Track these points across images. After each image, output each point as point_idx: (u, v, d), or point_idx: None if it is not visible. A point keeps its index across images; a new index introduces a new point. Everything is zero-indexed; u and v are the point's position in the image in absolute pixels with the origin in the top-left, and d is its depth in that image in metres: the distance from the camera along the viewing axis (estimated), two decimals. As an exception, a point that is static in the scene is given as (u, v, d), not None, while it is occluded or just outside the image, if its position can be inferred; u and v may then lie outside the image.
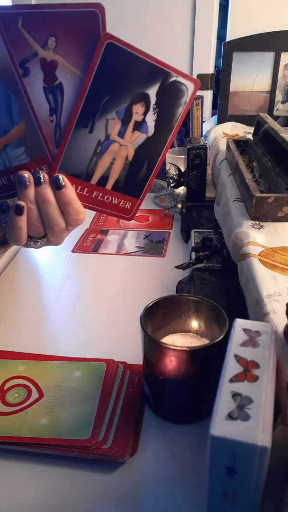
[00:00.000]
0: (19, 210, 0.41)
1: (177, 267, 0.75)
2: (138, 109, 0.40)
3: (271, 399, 0.32)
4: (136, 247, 0.87)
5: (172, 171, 1.03)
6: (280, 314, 0.43)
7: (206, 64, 1.19)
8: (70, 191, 0.42)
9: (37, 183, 0.41)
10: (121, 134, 0.41)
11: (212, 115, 1.29)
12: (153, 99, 0.40)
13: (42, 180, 0.41)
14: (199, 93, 1.20)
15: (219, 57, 1.16)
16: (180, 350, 0.43)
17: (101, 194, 0.43)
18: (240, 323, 0.40)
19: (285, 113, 1.14)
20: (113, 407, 0.48)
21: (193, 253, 0.75)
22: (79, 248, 0.87)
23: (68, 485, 0.42)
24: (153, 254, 0.84)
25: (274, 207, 0.59)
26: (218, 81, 1.17)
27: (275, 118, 0.92)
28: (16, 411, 0.48)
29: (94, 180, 0.42)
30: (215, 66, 1.22)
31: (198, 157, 0.92)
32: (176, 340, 0.51)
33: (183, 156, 0.99)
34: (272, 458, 0.30)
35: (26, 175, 0.41)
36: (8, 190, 0.43)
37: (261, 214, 0.60)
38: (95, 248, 0.87)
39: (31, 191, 0.41)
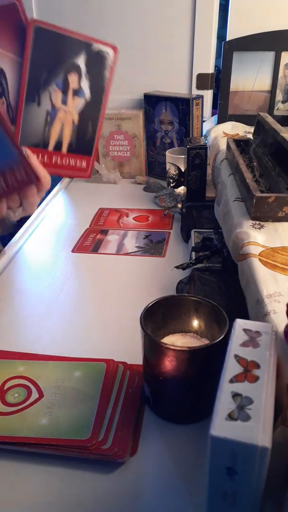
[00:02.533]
0: None
1: (177, 267, 0.75)
2: (72, 78, 0.46)
3: (271, 399, 0.32)
4: (136, 247, 0.86)
5: (172, 171, 1.03)
6: (281, 314, 0.43)
7: (206, 64, 1.18)
8: (34, 160, 0.46)
9: None
10: (64, 102, 0.47)
11: (212, 114, 1.29)
12: (83, 68, 0.46)
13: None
14: (199, 92, 1.20)
15: (219, 56, 1.15)
16: (180, 350, 0.42)
17: (59, 158, 0.49)
18: (240, 323, 0.39)
19: (285, 112, 1.14)
20: (113, 407, 0.47)
21: (193, 253, 0.75)
22: (79, 248, 0.87)
23: (68, 485, 0.42)
24: (153, 254, 0.84)
25: (275, 207, 0.59)
26: (218, 81, 1.17)
27: (275, 117, 0.91)
28: (16, 411, 0.48)
29: (51, 146, 0.48)
30: (215, 66, 1.22)
31: (198, 157, 0.92)
32: (176, 340, 0.51)
33: (183, 156, 0.99)
34: (272, 459, 0.30)
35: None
36: None
37: (261, 214, 0.60)
38: (95, 248, 0.87)
39: None
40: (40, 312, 0.68)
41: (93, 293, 0.73)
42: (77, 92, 0.47)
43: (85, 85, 0.47)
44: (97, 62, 0.47)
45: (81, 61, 0.46)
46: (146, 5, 1.15)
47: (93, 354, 0.55)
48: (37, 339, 0.62)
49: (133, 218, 0.99)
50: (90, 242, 0.89)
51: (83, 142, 0.49)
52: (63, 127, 0.47)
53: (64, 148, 0.49)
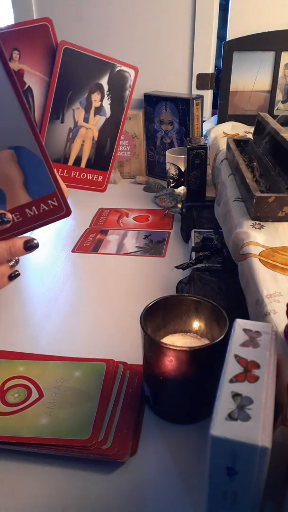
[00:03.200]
0: None
1: (177, 267, 0.75)
2: (95, 97, 0.49)
3: (271, 399, 0.32)
4: (136, 247, 0.87)
5: (172, 171, 1.03)
6: (281, 314, 0.43)
7: (206, 64, 1.18)
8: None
9: None
10: (86, 120, 0.50)
11: (212, 114, 1.29)
12: (105, 87, 0.49)
13: None
14: (199, 92, 1.20)
15: (219, 56, 1.15)
16: (180, 350, 0.42)
17: (77, 172, 0.53)
18: (240, 323, 0.39)
19: (285, 112, 1.14)
20: (113, 407, 0.47)
21: (193, 253, 0.75)
22: (79, 248, 0.87)
23: (68, 485, 0.42)
24: (153, 254, 0.84)
25: (275, 207, 0.59)
26: (218, 81, 1.17)
27: (275, 117, 0.92)
28: (16, 411, 0.48)
29: (71, 161, 0.52)
30: (215, 66, 1.22)
31: (198, 157, 0.92)
32: (176, 340, 0.51)
33: (183, 156, 0.99)
34: (272, 459, 0.30)
35: None
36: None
37: (261, 214, 0.60)
38: (95, 248, 0.87)
39: None
40: (40, 312, 0.68)
41: (93, 293, 0.73)
42: (99, 110, 0.51)
43: (106, 103, 0.50)
44: (118, 82, 0.50)
45: (104, 81, 0.49)
46: (146, 5, 1.15)
47: (93, 354, 0.55)
48: (37, 339, 0.62)
49: (133, 218, 0.99)
50: (90, 242, 0.89)
51: (101, 158, 0.54)
52: (84, 143, 0.51)
53: (83, 164, 0.53)
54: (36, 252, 0.88)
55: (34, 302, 0.71)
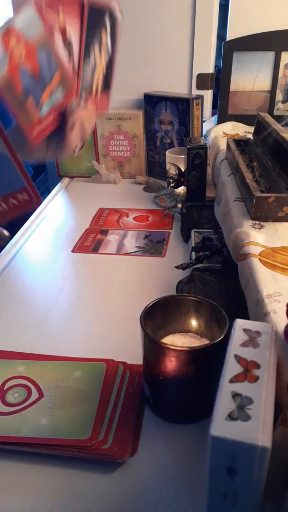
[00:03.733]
0: (73, 126, 0.60)
1: (177, 267, 0.75)
2: (103, 35, 0.61)
3: (271, 399, 0.32)
4: (136, 247, 0.86)
5: (172, 171, 1.03)
6: (281, 314, 0.43)
7: (206, 64, 1.18)
8: (90, 102, 0.62)
9: (75, 108, 0.60)
10: (99, 57, 0.61)
11: (212, 114, 1.29)
12: (108, 27, 0.61)
13: (74, 106, 0.60)
14: (199, 92, 1.20)
15: (219, 56, 1.15)
16: (180, 350, 0.42)
17: (96, 99, 0.64)
18: (240, 323, 0.39)
19: (285, 112, 1.14)
20: (113, 407, 0.47)
21: (193, 253, 0.75)
22: (79, 248, 0.87)
23: (68, 485, 0.42)
24: (153, 254, 0.84)
25: (275, 207, 0.59)
26: (218, 81, 1.17)
27: (275, 117, 0.92)
28: (16, 411, 0.48)
29: (93, 91, 0.63)
30: (215, 66, 1.22)
31: (198, 157, 0.92)
32: (176, 340, 0.51)
33: (183, 156, 0.99)
34: (272, 459, 0.30)
35: (74, 102, 0.59)
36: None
37: (261, 214, 0.60)
38: (95, 248, 0.87)
39: (75, 113, 0.60)
40: (40, 312, 0.68)
41: (93, 293, 0.73)
42: (106, 47, 0.62)
43: (108, 41, 0.62)
44: (113, 23, 0.61)
45: (107, 22, 0.61)
46: (146, 5, 1.15)
47: (93, 354, 0.55)
48: (37, 339, 0.62)
49: (133, 218, 0.99)
50: (90, 242, 0.89)
51: (105, 82, 0.65)
52: (98, 74, 0.63)
53: (99, 89, 0.64)
54: (36, 252, 0.88)
55: (34, 302, 0.71)
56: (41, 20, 0.52)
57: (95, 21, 0.59)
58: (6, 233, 0.48)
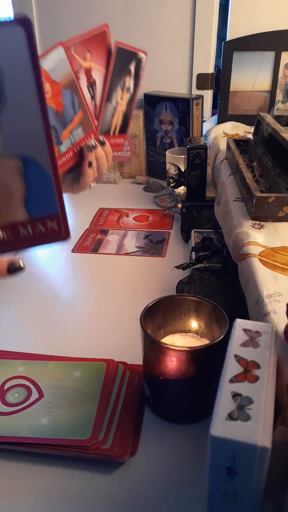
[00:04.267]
0: (90, 164, 0.61)
1: (177, 267, 0.75)
2: (127, 79, 0.63)
3: (271, 399, 0.32)
4: (136, 247, 0.86)
5: (172, 171, 1.03)
6: (281, 314, 0.43)
7: (206, 64, 1.18)
8: (107, 144, 0.63)
9: (94, 146, 0.61)
10: (121, 98, 0.64)
11: (212, 114, 1.29)
12: (132, 71, 0.63)
13: (94, 144, 0.61)
14: (199, 92, 1.20)
15: (219, 56, 1.15)
16: (180, 350, 0.42)
17: (114, 139, 0.66)
18: (240, 323, 0.39)
19: (285, 112, 1.14)
20: (113, 407, 0.47)
21: (193, 253, 0.75)
22: (79, 248, 0.87)
23: (68, 485, 0.42)
24: (153, 254, 0.84)
25: (275, 207, 0.59)
26: (218, 81, 1.17)
27: (275, 117, 0.92)
28: (16, 411, 0.48)
29: (111, 131, 0.65)
30: (215, 66, 1.22)
31: (198, 157, 0.92)
32: (176, 340, 0.51)
33: (183, 156, 0.99)
34: (272, 459, 0.30)
35: (92, 142, 0.60)
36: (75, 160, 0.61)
37: (261, 214, 0.60)
38: (95, 248, 0.87)
39: (93, 152, 0.61)
40: (40, 312, 0.68)
41: (93, 293, 0.73)
42: (128, 89, 0.64)
43: (131, 83, 0.64)
44: (138, 65, 0.64)
45: (132, 66, 0.63)
46: (146, 5, 1.15)
47: (93, 354, 0.55)
48: (37, 339, 0.62)
49: (133, 218, 0.99)
50: (90, 242, 0.89)
51: (124, 124, 0.67)
52: (118, 116, 0.65)
53: (116, 131, 0.66)
54: (36, 252, 0.88)
55: (34, 302, 0.71)
56: (68, 61, 0.54)
57: (121, 64, 0.61)
58: (22, 263, 0.42)
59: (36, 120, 0.34)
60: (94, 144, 0.61)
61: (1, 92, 0.32)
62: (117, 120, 0.65)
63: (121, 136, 0.67)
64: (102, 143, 0.62)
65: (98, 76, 0.60)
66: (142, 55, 0.64)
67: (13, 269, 0.40)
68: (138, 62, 0.64)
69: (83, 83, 0.58)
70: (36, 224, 0.38)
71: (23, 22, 0.31)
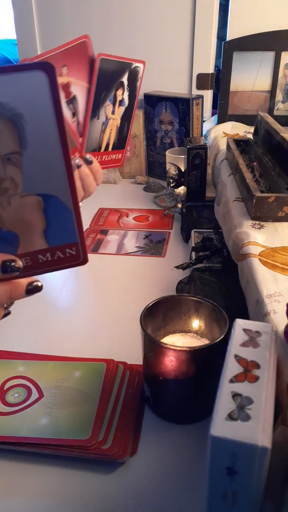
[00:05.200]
0: None
1: (177, 267, 0.75)
2: (119, 92, 0.60)
3: (271, 399, 0.32)
4: (136, 247, 0.86)
5: (172, 171, 1.03)
6: (281, 314, 0.43)
7: (206, 64, 1.18)
8: (95, 162, 0.61)
9: (78, 166, 0.59)
10: (113, 112, 0.60)
11: (212, 114, 1.29)
12: (125, 83, 0.59)
13: (79, 163, 0.59)
14: (199, 92, 1.20)
15: (219, 56, 1.15)
16: (180, 350, 0.42)
17: (106, 156, 0.63)
18: (240, 323, 0.39)
19: (285, 112, 1.14)
20: (113, 407, 0.47)
21: (193, 253, 0.75)
22: (79, 248, 0.87)
23: (68, 485, 0.42)
24: (153, 254, 0.84)
25: (275, 207, 0.59)
26: (218, 81, 1.17)
27: (275, 117, 0.91)
28: (16, 411, 0.48)
29: (102, 149, 0.62)
30: (215, 66, 1.21)
31: (198, 157, 0.92)
32: (176, 340, 0.51)
33: (183, 156, 0.99)
34: (272, 459, 0.30)
35: (76, 161, 0.58)
36: None
37: (261, 214, 0.60)
38: (95, 248, 0.87)
39: (77, 172, 0.59)
40: (40, 312, 0.68)
41: (93, 293, 0.73)
42: (121, 102, 0.61)
43: (126, 95, 0.61)
44: (133, 76, 0.60)
45: (125, 78, 0.60)
46: (146, 5, 1.15)
47: (93, 354, 0.55)
48: (37, 339, 0.62)
49: (133, 218, 0.99)
50: (90, 242, 0.89)
51: (120, 139, 0.64)
52: (111, 131, 0.62)
53: (110, 147, 0.63)
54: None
55: (34, 302, 0.71)
56: None
57: (109, 77, 0.58)
58: (39, 284, 0.42)
59: (57, 162, 0.34)
60: (78, 163, 0.59)
61: (21, 136, 0.32)
62: (110, 136, 0.62)
63: (118, 152, 0.65)
64: (89, 162, 0.60)
65: (79, 91, 0.56)
66: (137, 65, 0.60)
67: (32, 289, 0.41)
68: (133, 73, 0.60)
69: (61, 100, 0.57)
70: (55, 251, 0.39)
71: (46, 67, 0.31)
